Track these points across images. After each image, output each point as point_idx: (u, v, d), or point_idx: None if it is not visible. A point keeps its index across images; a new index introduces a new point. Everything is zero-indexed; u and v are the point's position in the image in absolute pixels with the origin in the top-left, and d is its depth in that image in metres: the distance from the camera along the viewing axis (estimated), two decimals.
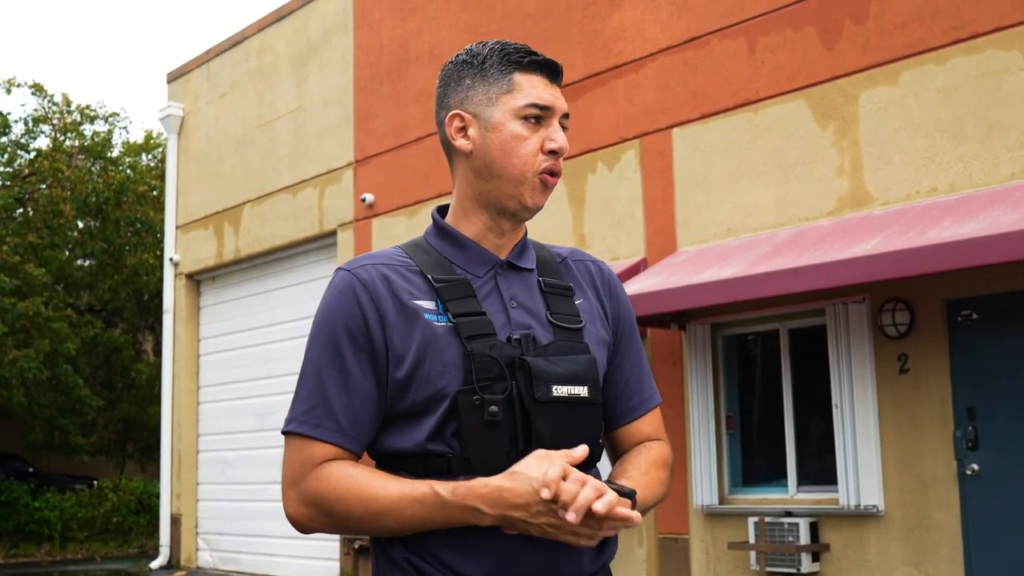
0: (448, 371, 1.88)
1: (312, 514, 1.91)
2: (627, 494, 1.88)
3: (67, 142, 20.36)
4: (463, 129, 2.03)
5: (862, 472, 8.24)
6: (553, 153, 1.98)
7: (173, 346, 16.03)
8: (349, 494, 1.86)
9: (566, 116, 2.04)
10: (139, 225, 20.23)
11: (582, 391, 1.92)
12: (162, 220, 17.46)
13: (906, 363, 8.11)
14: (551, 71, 2.03)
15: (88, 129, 20.70)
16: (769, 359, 9.25)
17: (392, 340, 1.91)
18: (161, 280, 18.10)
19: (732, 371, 9.43)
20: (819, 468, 8.77)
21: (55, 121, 20.43)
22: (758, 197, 9.07)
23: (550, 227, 10.58)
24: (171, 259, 16.11)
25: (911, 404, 8.06)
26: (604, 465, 2.07)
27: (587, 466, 1.92)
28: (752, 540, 8.68)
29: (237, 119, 15.11)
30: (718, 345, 9.37)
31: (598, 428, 1.98)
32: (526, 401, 1.87)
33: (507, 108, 1.99)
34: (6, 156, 20.42)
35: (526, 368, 1.88)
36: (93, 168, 20.27)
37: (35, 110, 20.55)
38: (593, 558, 1.98)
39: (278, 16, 14.60)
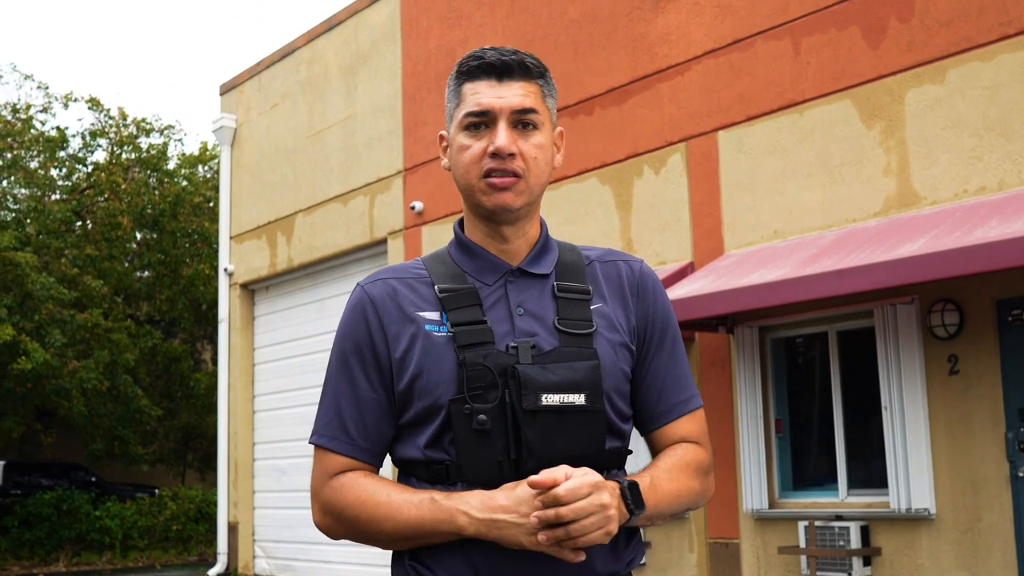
0: (443, 380, 1.93)
1: (331, 522, 2.01)
2: (632, 509, 1.89)
3: (124, 155, 20.68)
4: (446, 149, 2.10)
5: (913, 475, 8.15)
6: (495, 156, 1.97)
7: (228, 355, 16.20)
8: (357, 502, 1.95)
9: (522, 112, 1.99)
10: (195, 236, 20.48)
11: (578, 399, 1.91)
12: (217, 231, 17.66)
13: (956, 364, 8.01)
14: (497, 71, 2.00)
15: (144, 142, 21.01)
16: (818, 361, 9.18)
17: (395, 353, 1.98)
18: (217, 290, 18.30)
19: (781, 374, 9.37)
20: (869, 471, 8.69)
21: (112, 135, 20.76)
22: (804, 199, 9.01)
23: (597, 231, 10.58)
24: (225, 269, 16.30)
25: (961, 406, 7.96)
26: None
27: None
28: (802, 544, 8.62)
29: (288, 129, 15.26)
30: (766, 348, 9.31)
31: (599, 438, 1.95)
32: (516, 410, 1.89)
33: (456, 122, 2.03)
34: (64, 170, 20.79)
35: (516, 376, 1.90)
36: (149, 180, 20.56)
37: (92, 124, 20.93)
38: (605, 566, 1.96)
39: (327, 26, 14.74)
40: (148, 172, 20.69)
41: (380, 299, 2.02)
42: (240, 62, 68.48)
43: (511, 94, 1.99)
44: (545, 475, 1.79)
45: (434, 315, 1.99)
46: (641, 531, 2.07)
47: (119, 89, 58.39)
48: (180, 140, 25.59)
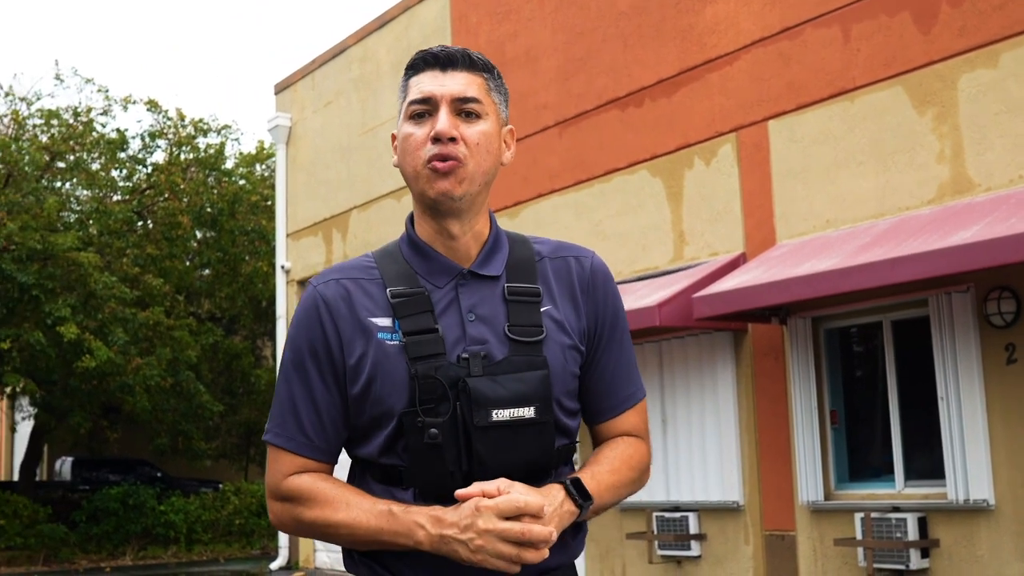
0: (396, 391, 1.95)
1: (287, 520, 2.04)
2: (581, 503, 1.96)
3: (182, 155, 20.92)
4: (396, 147, 2.10)
5: (971, 466, 8.03)
6: (436, 141, 1.98)
7: None
8: (318, 508, 1.97)
9: (463, 100, 2.01)
10: (253, 234, 20.69)
11: (527, 412, 1.93)
12: (274, 228, 17.83)
13: (1013, 353, 7.88)
14: (440, 62, 2.03)
15: (202, 142, 21.23)
16: (872, 352, 9.09)
17: (348, 358, 1.99)
18: (275, 287, 18.48)
19: (835, 364, 9.28)
20: (926, 462, 8.58)
21: (170, 136, 21.01)
22: (857, 187, 8.91)
23: (648, 224, 10.55)
24: (283, 266, 16.46)
25: (1020, 395, 7.84)
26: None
27: (537, 479, 1.96)
28: (859, 536, 8.53)
29: (342, 127, 15.37)
30: (820, 338, 9.23)
31: (548, 444, 1.98)
32: (468, 425, 1.91)
33: (403, 115, 2.06)
34: (125, 171, 21.07)
35: (467, 391, 1.91)
36: (208, 180, 20.79)
37: (151, 126, 21.16)
38: (556, 560, 2.01)
39: (379, 24, 14.82)
40: (206, 172, 20.92)
41: (334, 301, 2.02)
42: (294, 62, 69.01)
43: (453, 83, 2.01)
44: (475, 488, 1.86)
45: (386, 321, 1.99)
46: (587, 523, 2.10)
47: (177, 91, 59.13)
48: (237, 140, 25.93)
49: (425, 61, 2.04)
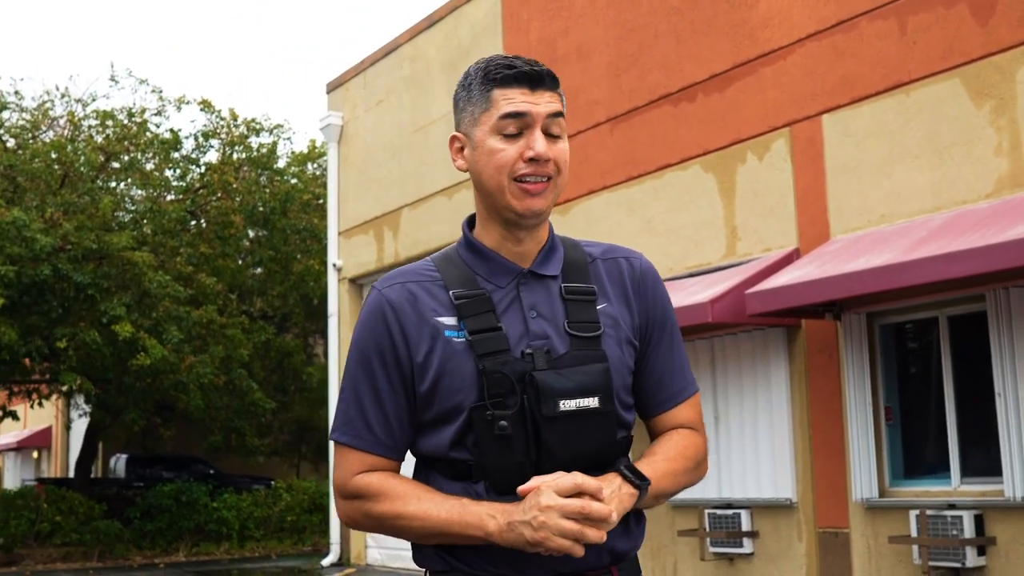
0: (465, 386, 2.02)
1: (358, 518, 2.11)
2: (639, 483, 2.03)
3: (235, 155, 21.10)
4: (461, 150, 2.15)
5: None
6: (533, 161, 2.04)
7: (339, 349, 16.46)
8: (388, 503, 2.04)
9: (555, 116, 2.07)
10: (305, 233, 20.83)
11: (592, 402, 2.02)
12: (326, 227, 17.94)
13: None
14: (531, 80, 2.07)
15: (254, 142, 21.40)
16: (928, 347, 8.99)
17: (416, 357, 2.06)
18: (326, 285, 18.59)
19: (890, 361, 9.19)
20: (983, 459, 8.47)
21: (223, 135, 21.19)
22: (913, 181, 8.82)
23: (701, 219, 10.50)
24: (334, 264, 16.56)
25: None
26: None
27: (599, 470, 2.04)
28: (914, 534, 8.44)
29: (393, 125, 15.43)
30: (875, 334, 9.14)
31: (611, 434, 2.07)
32: (536, 416, 1.99)
33: (486, 125, 2.08)
34: (178, 171, 21.29)
35: (535, 384, 1.99)
36: (260, 179, 20.96)
37: (204, 125, 21.36)
38: (612, 548, 2.08)
39: (429, 23, 14.87)
40: (258, 171, 21.09)
41: (399, 303, 2.08)
42: (346, 60, 69.39)
43: (543, 101, 2.06)
44: (534, 481, 1.94)
45: (451, 320, 2.06)
46: (645, 513, 2.18)
47: (230, 91, 59.64)
48: (289, 139, 26.04)
49: (516, 78, 2.07)
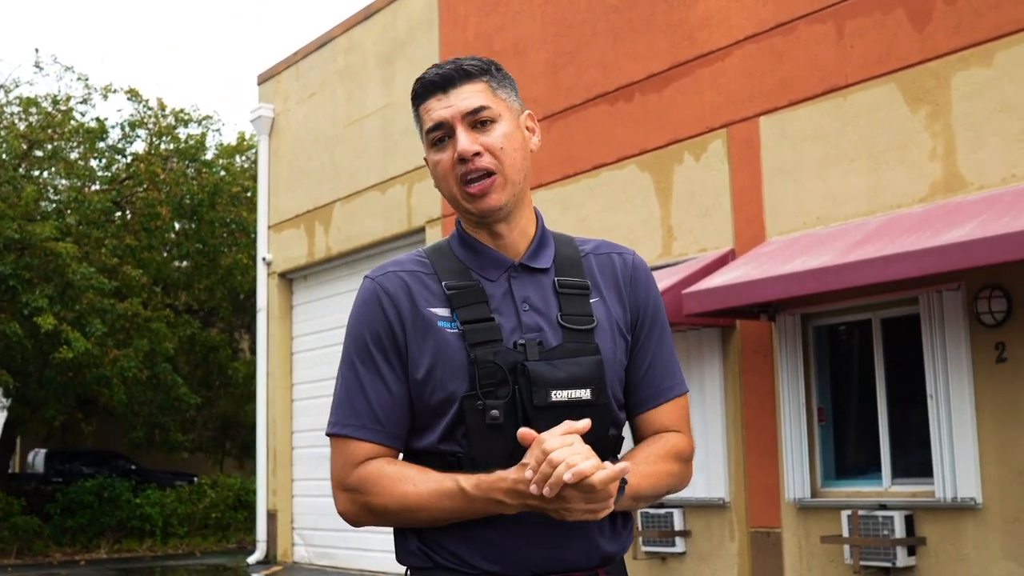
0: (457, 376, 2.01)
1: (357, 510, 2.07)
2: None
3: (162, 146, 20.75)
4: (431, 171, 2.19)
5: (959, 464, 8.03)
6: (463, 161, 2.05)
7: (267, 344, 16.26)
8: (385, 491, 2.01)
9: (473, 112, 2.07)
10: (233, 226, 20.54)
11: (584, 394, 2.00)
12: (255, 220, 17.72)
13: (1003, 352, 7.88)
14: (441, 85, 2.09)
15: (182, 132, 21.06)
16: (861, 349, 9.07)
17: (411, 345, 2.06)
18: (254, 280, 18.36)
19: (823, 362, 9.27)
20: (914, 460, 8.58)
21: (150, 125, 20.82)
22: (848, 185, 8.90)
23: (636, 219, 10.51)
24: (264, 259, 16.36)
25: (1009, 394, 7.84)
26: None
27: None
28: (845, 534, 8.52)
29: (326, 118, 15.27)
30: (809, 335, 9.21)
31: (604, 425, 2.05)
32: (527, 406, 1.98)
33: (425, 144, 2.13)
34: (104, 161, 20.88)
35: (526, 374, 1.98)
36: (188, 171, 20.64)
37: (131, 115, 20.96)
38: (599, 549, 2.06)
39: (366, 15, 14.72)
40: (186, 162, 20.75)
41: (394, 291, 2.08)
42: (277, 52, 68.66)
43: (458, 100, 2.07)
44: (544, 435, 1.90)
45: (444, 311, 2.06)
46: (633, 515, 2.18)
47: (158, 80, 58.73)
48: (218, 130, 25.76)
49: (426, 88, 2.11)
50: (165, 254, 21.67)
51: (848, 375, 9.29)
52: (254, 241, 18.06)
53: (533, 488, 1.84)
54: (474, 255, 2.12)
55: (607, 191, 10.88)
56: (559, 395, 1.98)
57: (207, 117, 21.31)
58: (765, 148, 9.53)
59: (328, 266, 15.41)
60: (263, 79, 16.81)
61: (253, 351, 23.98)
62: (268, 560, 15.89)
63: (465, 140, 2.05)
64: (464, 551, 2.01)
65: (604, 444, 2.04)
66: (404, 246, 13.97)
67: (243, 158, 22.71)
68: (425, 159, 2.17)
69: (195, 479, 22.76)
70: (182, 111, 20.96)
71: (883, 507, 8.40)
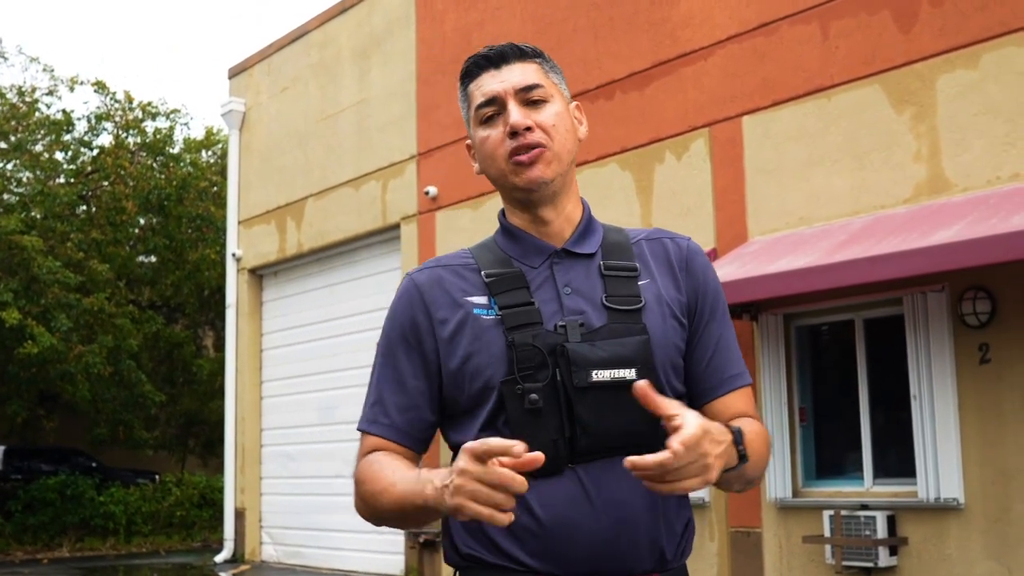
0: (494, 362, 1.96)
1: (357, 501, 2.04)
2: (743, 454, 1.87)
3: (129, 139, 20.51)
4: (473, 155, 2.16)
5: (942, 464, 8.06)
6: (514, 135, 2.01)
7: (236, 341, 16.10)
8: (371, 477, 1.98)
9: (527, 89, 2.05)
10: (200, 221, 20.34)
11: (628, 374, 1.92)
12: (223, 216, 17.54)
13: (987, 353, 7.92)
14: (494, 61, 2.08)
15: (150, 126, 20.84)
16: (844, 350, 9.09)
17: (441, 333, 2.02)
18: (222, 275, 18.18)
19: (805, 362, 9.28)
20: (896, 461, 8.60)
21: (117, 118, 20.57)
22: (832, 185, 8.91)
23: (617, 217, 10.47)
24: (233, 254, 16.19)
25: (992, 395, 7.88)
26: None
27: (641, 451, 1.79)
28: (827, 534, 8.53)
29: (299, 113, 15.14)
30: (791, 335, 9.21)
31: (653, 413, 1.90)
32: (567, 388, 1.91)
33: (473, 122, 2.10)
34: (70, 153, 20.61)
35: (566, 355, 1.92)
36: (154, 164, 20.41)
37: (97, 108, 20.71)
38: (659, 551, 1.97)
39: (340, 9, 14.61)
40: (153, 156, 20.53)
41: (427, 285, 2.07)
42: (249, 45, 68.10)
43: (511, 76, 2.06)
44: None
45: (482, 299, 2.02)
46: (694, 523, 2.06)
47: (125, 73, 58.08)
48: (186, 124, 25.47)
49: (478, 65, 2.09)
50: (129, 249, 21.43)
51: (830, 375, 9.31)
52: (222, 236, 17.89)
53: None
54: (516, 243, 2.09)
55: (587, 189, 10.78)
56: (601, 375, 1.91)
57: (175, 111, 21.10)
58: (748, 148, 9.53)
59: (300, 262, 15.28)
60: (234, 73, 16.65)
61: (217, 348, 23.79)
62: (236, 559, 15.73)
63: (517, 114, 2.02)
64: (509, 544, 1.93)
65: (657, 430, 1.83)
66: (378, 243, 13.88)
67: (210, 153, 22.51)
68: (468, 144, 2.15)
69: (157, 477, 22.52)
70: (149, 104, 20.73)
71: (865, 507, 8.42)
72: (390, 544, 13.21)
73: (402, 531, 12.88)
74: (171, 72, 62.68)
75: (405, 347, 2.05)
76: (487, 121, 2.06)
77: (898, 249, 7.52)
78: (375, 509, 1.98)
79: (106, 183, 19.76)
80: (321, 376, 14.65)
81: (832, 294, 8.49)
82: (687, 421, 1.71)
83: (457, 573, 2.03)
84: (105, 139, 20.80)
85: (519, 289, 2.00)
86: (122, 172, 19.35)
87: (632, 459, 1.68)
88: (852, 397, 8.86)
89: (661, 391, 1.86)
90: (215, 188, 20.44)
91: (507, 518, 1.69)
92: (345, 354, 14.15)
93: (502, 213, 2.15)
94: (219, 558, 15.87)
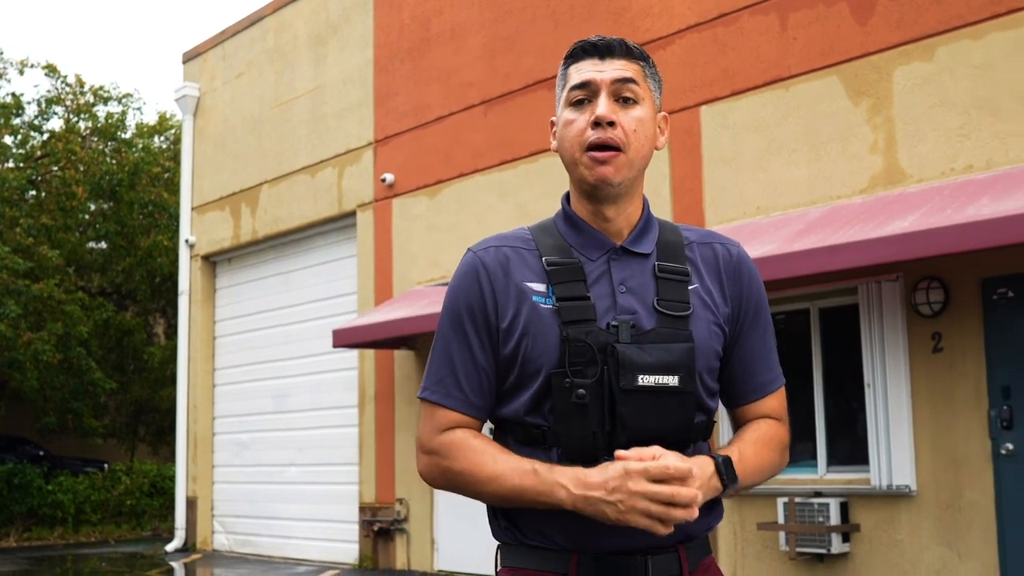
0: (547, 351, 2.04)
1: (436, 476, 2.13)
2: (726, 483, 2.03)
3: (80, 123, 20.25)
4: (554, 132, 2.21)
5: (894, 452, 8.17)
6: (597, 125, 2.07)
7: (189, 328, 15.97)
8: (467, 461, 2.06)
9: (623, 81, 2.09)
10: (152, 207, 20.13)
11: (671, 380, 2.01)
12: (176, 202, 17.37)
13: (940, 342, 8.03)
14: (599, 50, 2.12)
15: (101, 110, 20.58)
16: (799, 338, 9.17)
17: (502, 320, 2.09)
18: (175, 262, 18.01)
19: None
20: (849, 448, 8.70)
21: (68, 102, 20.31)
22: (789, 175, 8.99)
23: None
24: (187, 241, 16.05)
25: (945, 383, 7.99)
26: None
27: (675, 450, 2.00)
28: (781, 521, 8.62)
29: (254, 99, 15.02)
30: None
31: (689, 416, 2.06)
32: (613, 388, 2.00)
33: (564, 101, 2.15)
34: (19, 137, 20.32)
35: (616, 356, 2.00)
36: (106, 150, 20.17)
37: (48, 91, 20.43)
38: (681, 527, 2.04)
39: None
40: (105, 141, 20.28)
41: (492, 266, 2.12)
42: (204, 30, 67.40)
43: (611, 68, 2.10)
44: (633, 452, 1.92)
45: (541, 287, 2.09)
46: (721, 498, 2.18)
47: (77, 56, 57.36)
48: (139, 109, 25.20)
49: (584, 50, 2.13)
50: (80, 234, 21.17)
51: (785, 364, 9.28)
52: (175, 223, 17.72)
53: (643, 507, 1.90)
54: (577, 233, 2.14)
55: (546, 178, 10.85)
56: (646, 380, 2.00)
57: (127, 95, 20.87)
58: (706, 137, 9.58)
59: (254, 249, 15.17)
60: (188, 57, 16.49)
61: (168, 335, 23.57)
62: (187, 548, 15.62)
63: (605, 106, 2.06)
64: (547, 528, 2.04)
65: (691, 431, 2.06)
66: (334, 230, 13.81)
67: (163, 138, 22.28)
68: (552, 122, 2.20)
69: (106, 465, 22.28)
70: (101, 88, 20.48)
71: (818, 494, 8.51)
72: (344, 532, 13.18)
73: (356, 519, 12.86)
74: (124, 56, 61.95)
75: (473, 324, 2.11)
76: (576, 104, 2.11)
77: (854, 239, 7.60)
78: (473, 493, 2.07)
79: (56, 168, 19.51)
80: (275, 364, 14.57)
81: (788, 283, 8.56)
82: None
83: (499, 549, 2.14)
84: (56, 123, 20.55)
85: (577, 282, 2.07)
86: (73, 157, 19.10)
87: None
88: (807, 385, 8.94)
89: (698, 395, 2.07)
90: (168, 174, 20.22)
91: (667, 529, 1.90)
92: (299, 342, 14.08)
93: (566, 197, 2.21)
94: (170, 547, 15.74)
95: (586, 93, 2.10)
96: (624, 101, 2.09)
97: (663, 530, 1.90)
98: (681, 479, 1.90)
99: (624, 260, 2.12)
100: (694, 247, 2.19)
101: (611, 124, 2.06)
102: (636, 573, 2.03)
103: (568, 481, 1.94)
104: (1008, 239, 6.87)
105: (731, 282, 2.18)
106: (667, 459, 1.91)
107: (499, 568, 2.14)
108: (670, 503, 1.89)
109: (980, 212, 7.09)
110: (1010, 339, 7.79)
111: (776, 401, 2.25)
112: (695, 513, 1.91)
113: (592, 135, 2.07)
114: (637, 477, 1.89)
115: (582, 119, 2.09)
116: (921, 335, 8.13)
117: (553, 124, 2.20)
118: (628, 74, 2.10)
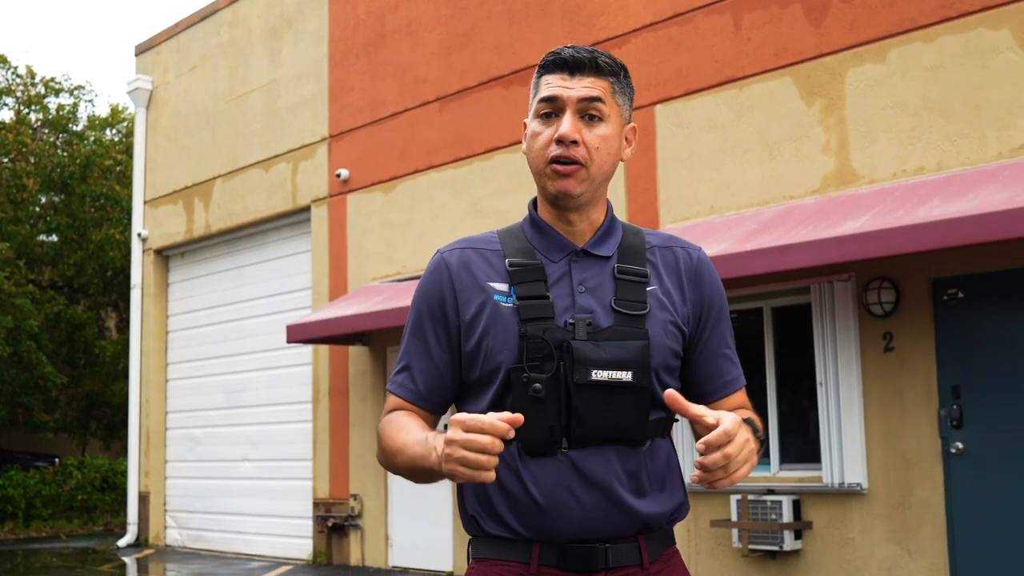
0: (507, 348, 2.12)
1: (378, 455, 2.25)
2: (761, 438, 2.09)
3: (31, 115, 20.00)
4: (525, 136, 2.27)
5: (846, 450, 8.25)
6: (560, 142, 2.13)
7: (141, 322, 15.83)
8: (388, 437, 2.18)
9: (590, 100, 2.15)
10: (104, 200, 19.91)
11: (625, 376, 2.08)
12: (129, 195, 17.20)
13: (891, 341, 8.12)
14: (570, 66, 2.17)
15: (53, 102, 20.34)
16: (752, 337, 9.23)
17: (464, 316, 2.19)
18: (127, 256, 17.85)
19: None
20: (802, 446, 8.78)
21: (19, 93, 20.06)
22: (743, 175, 9.04)
23: (526, 201, 10.49)
24: (139, 235, 15.90)
25: (896, 382, 8.08)
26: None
27: (631, 444, 2.11)
28: (734, 518, 8.69)
29: (208, 93, 14.90)
30: None
31: (643, 412, 2.12)
32: (568, 382, 2.07)
33: (532, 112, 2.23)
34: None
35: (571, 351, 2.08)
36: (57, 142, 19.93)
37: None
38: (638, 517, 2.11)
39: None
40: (56, 133, 20.04)
41: (456, 266, 2.22)
42: (157, 22, 66.68)
43: (579, 86, 2.15)
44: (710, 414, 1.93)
45: (503, 286, 2.18)
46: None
47: (28, 46, 56.57)
48: (91, 101, 24.94)
49: (556, 64, 2.19)
50: (30, 227, 20.92)
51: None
52: (127, 216, 17.55)
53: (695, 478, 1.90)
54: (542, 236, 2.22)
55: (500, 175, 10.85)
56: (600, 375, 2.07)
57: (79, 87, 20.65)
58: (660, 136, 9.62)
59: (207, 244, 15.06)
60: (141, 50, 16.32)
61: (120, 329, 23.34)
62: (139, 543, 15.51)
63: (569, 125, 2.13)
64: (507, 518, 2.11)
65: (647, 426, 2.13)
66: (287, 225, 13.74)
67: (115, 131, 22.04)
68: (525, 123, 2.27)
69: (57, 460, 22.05)
70: (53, 80, 20.24)
71: (771, 492, 8.59)
72: (297, 528, 13.14)
73: (310, 515, 12.82)
74: (76, 47, 61.22)
75: (432, 320, 2.22)
76: (544, 117, 2.18)
77: (807, 239, 7.66)
78: (393, 466, 2.17)
79: (6, 160, 19.25)
80: (229, 359, 14.48)
81: (741, 282, 8.62)
82: (723, 417, 1.92)
83: (469, 543, 2.21)
84: (6, 114, 20.30)
85: (538, 282, 2.16)
86: (23, 149, 18.87)
87: (700, 460, 1.88)
88: (760, 384, 9.01)
89: (653, 392, 2.13)
90: (120, 167, 20.02)
91: (490, 476, 1.88)
92: (253, 337, 14.00)
93: (533, 203, 2.28)
94: (122, 542, 15.62)
95: (553, 107, 2.16)
96: (590, 118, 2.16)
97: (485, 477, 1.88)
98: (728, 437, 1.89)
99: (585, 262, 2.20)
100: (656, 251, 2.26)
101: (574, 142, 2.13)
102: (597, 562, 2.08)
103: (438, 443, 1.97)
104: (958, 240, 6.96)
105: (692, 285, 2.25)
106: (724, 422, 1.90)
107: (470, 561, 2.21)
108: (482, 451, 1.87)
109: (931, 213, 7.17)
110: (960, 339, 7.88)
111: (741, 398, 2.31)
112: (490, 476, 1.89)
113: (555, 150, 2.14)
114: (455, 426, 1.90)
115: (547, 133, 2.16)
116: (873, 335, 8.21)
117: (525, 127, 2.27)
118: (595, 93, 2.15)
